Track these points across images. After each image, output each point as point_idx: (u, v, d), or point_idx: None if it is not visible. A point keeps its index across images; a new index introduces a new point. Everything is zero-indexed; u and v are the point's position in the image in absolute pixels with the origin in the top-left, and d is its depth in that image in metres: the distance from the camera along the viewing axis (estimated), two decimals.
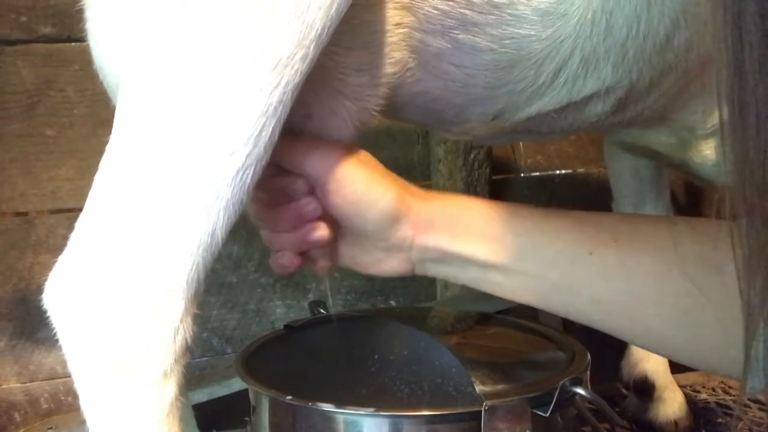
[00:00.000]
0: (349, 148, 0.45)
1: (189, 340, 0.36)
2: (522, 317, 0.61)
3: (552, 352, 0.53)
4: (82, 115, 0.83)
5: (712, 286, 0.40)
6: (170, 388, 0.35)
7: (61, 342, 0.35)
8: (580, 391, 0.44)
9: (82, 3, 0.44)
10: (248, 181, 0.35)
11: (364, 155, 0.46)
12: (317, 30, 0.35)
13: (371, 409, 0.41)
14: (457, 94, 0.48)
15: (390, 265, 0.47)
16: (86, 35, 0.44)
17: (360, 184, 0.44)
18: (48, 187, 0.83)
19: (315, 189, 0.44)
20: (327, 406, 0.42)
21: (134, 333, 0.34)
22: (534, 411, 0.43)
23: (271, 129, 0.35)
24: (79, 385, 0.35)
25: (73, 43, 0.82)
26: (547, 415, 0.43)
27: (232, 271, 0.87)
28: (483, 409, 0.42)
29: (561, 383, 0.44)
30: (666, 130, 0.63)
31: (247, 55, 0.34)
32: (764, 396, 0.56)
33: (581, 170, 0.97)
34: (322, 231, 0.45)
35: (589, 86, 0.49)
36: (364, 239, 0.47)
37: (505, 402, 0.43)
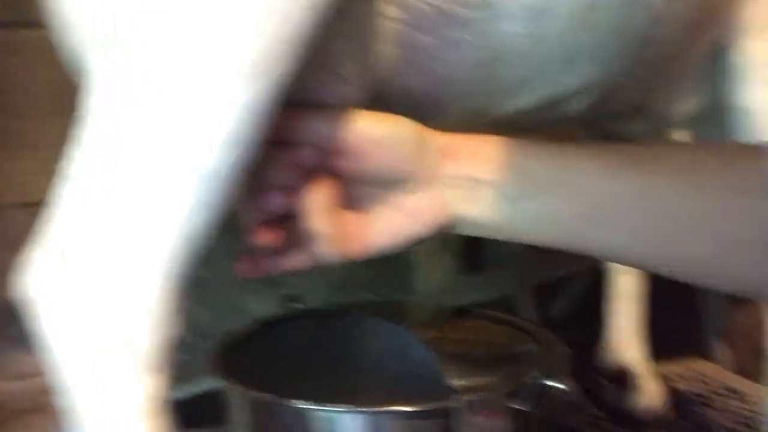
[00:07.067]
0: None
1: (176, 333, 0.36)
2: (500, 311, 0.61)
3: (529, 345, 0.54)
4: (40, 107, 0.80)
5: (741, 207, 0.40)
6: (155, 380, 0.35)
7: (42, 334, 0.35)
8: (557, 384, 0.44)
9: None
10: (236, 176, 0.36)
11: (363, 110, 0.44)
12: (302, 31, 0.35)
13: (348, 406, 0.41)
14: (438, 90, 0.48)
15: (423, 217, 0.44)
16: (48, 21, 0.43)
17: (377, 123, 0.43)
18: (3, 180, 0.80)
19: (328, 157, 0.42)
20: (303, 404, 0.41)
21: (119, 323, 0.34)
22: (511, 405, 0.43)
23: (256, 127, 0.35)
24: (62, 377, 0.35)
25: (29, 30, 0.79)
26: (525, 408, 0.43)
27: (205, 266, 0.85)
28: (459, 404, 0.42)
29: (538, 376, 0.44)
30: (639, 120, 0.64)
31: (231, 56, 0.34)
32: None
33: None
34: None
35: (571, 82, 0.49)
36: (394, 193, 0.44)
37: (481, 396, 0.42)
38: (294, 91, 0.42)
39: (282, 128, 0.41)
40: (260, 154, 0.41)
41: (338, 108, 0.43)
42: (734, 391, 0.83)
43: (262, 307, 0.91)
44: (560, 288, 0.96)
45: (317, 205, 0.41)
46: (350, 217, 0.43)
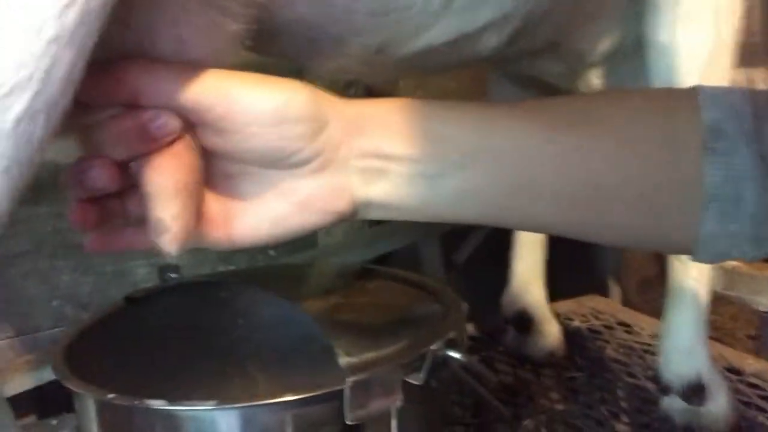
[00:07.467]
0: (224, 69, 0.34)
1: None
2: (404, 268, 0.57)
3: (431, 308, 0.50)
4: None
5: (669, 161, 0.37)
6: None
7: None
8: (454, 354, 0.40)
9: None
10: (38, 132, 0.27)
11: (245, 72, 0.35)
12: None
13: (213, 402, 0.35)
14: (336, 22, 0.42)
15: (316, 205, 0.36)
16: None
17: (264, 94, 0.34)
18: None
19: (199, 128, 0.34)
20: (160, 404, 0.35)
21: None
22: (405, 380, 0.39)
23: (67, 62, 0.27)
24: None
25: None
26: (420, 382, 0.39)
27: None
28: (347, 385, 0.37)
29: (432, 348, 0.40)
30: (555, 59, 0.61)
31: None
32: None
33: None
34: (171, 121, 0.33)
35: (484, 15, 0.44)
36: (280, 175, 0.36)
37: (371, 374, 0.38)
38: (157, 34, 0.33)
39: (129, 88, 0.32)
40: (92, 114, 0.33)
41: (210, 67, 0.33)
42: (625, 324, 0.85)
43: (151, 272, 0.83)
44: (466, 234, 0.95)
45: (163, 188, 0.32)
46: (215, 199, 0.35)
